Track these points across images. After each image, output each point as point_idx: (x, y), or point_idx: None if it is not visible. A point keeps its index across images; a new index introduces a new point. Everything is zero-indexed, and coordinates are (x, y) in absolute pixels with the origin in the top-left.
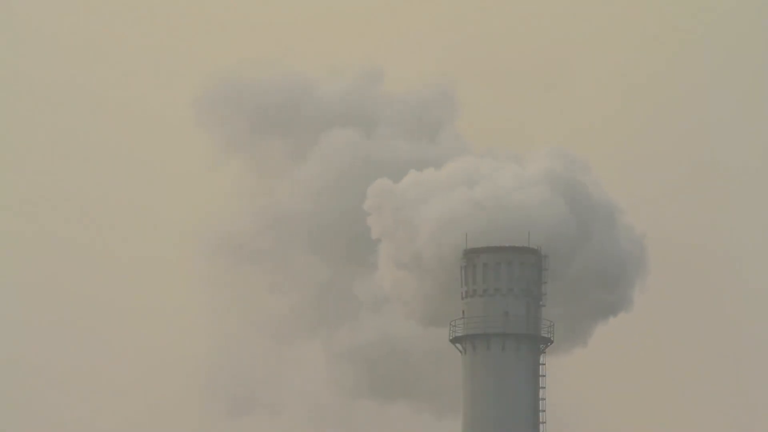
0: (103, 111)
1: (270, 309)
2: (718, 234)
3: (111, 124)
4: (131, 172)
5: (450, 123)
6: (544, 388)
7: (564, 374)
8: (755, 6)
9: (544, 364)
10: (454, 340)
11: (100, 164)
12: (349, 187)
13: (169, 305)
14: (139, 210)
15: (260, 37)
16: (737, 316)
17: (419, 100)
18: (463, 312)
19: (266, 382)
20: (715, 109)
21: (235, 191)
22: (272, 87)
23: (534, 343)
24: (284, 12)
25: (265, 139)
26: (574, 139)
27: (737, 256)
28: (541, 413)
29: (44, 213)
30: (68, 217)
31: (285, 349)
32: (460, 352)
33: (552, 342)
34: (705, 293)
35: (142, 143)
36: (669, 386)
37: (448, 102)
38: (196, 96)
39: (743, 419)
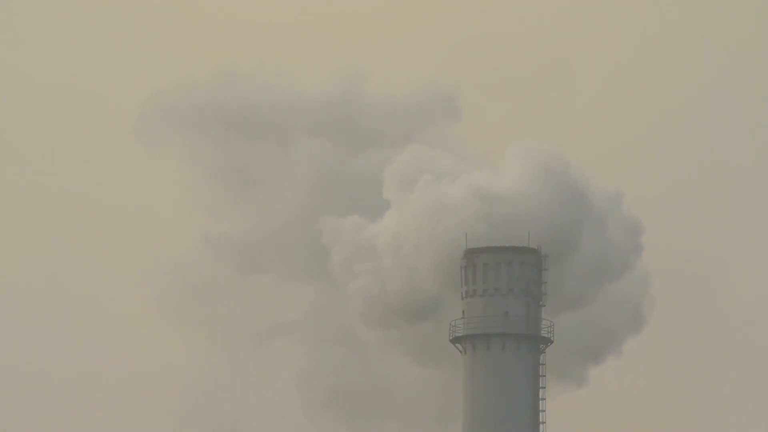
0: (86, 115)
1: (246, 336)
2: (720, 238)
3: (98, 128)
4: (100, 182)
5: (440, 127)
6: (544, 388)
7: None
8: (756, 6)
9: (544, 364)
10: (454, 340)
11: (76, 170)
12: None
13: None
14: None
15: (250, 39)
16: (738, 323)
17: (412, 104)
18: (463, 312)
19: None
20: (717, 110)
21: (205, 210)
22: (249, 95)
23: (534, 343)
24: (279, 14)
25: (238, 151)
26: (574, 141)
27: (740, 262)
28: (541, 413)
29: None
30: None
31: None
32: (460, 352)
33: (552, 342)
34: (706, 300)
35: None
36: (669, 394)
37: (442, 105)
38: (148, 108)
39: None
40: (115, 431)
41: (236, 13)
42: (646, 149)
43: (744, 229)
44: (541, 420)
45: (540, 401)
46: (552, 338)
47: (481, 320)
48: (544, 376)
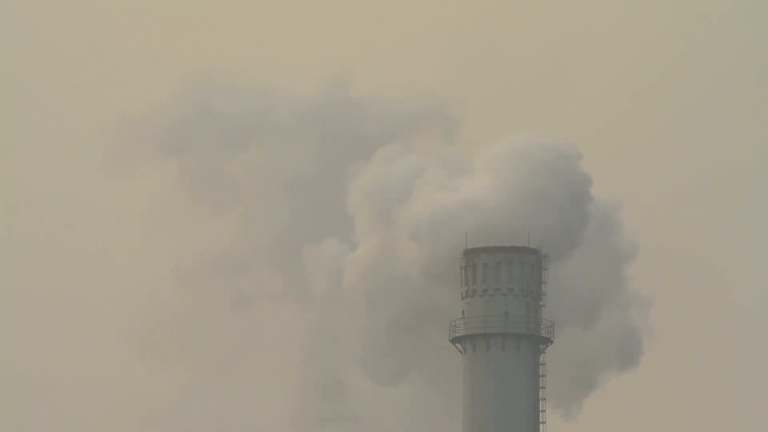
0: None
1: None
2: (720, 244)
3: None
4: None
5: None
6: (544, 388)
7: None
8: (760, 8)
9: (544, 365)
10: (454, 340)
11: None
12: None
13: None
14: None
15: (246, 47)
16: (738, 330)
17: (407, 111)
18: (463, 312)
19: None
20: (720, 113)
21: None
22: (236, 106)
23: (534, 343)
24: (267, 21)
25: (221, 167)
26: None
27: (739, 269)
28: (541, 413)
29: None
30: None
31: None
32: (460, 352)
33: (552, 342)
34: (704, 307)
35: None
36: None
37: (438, 112)
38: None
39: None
40: None
41: (227, 20)
42: (649, 154)
43: (744, 235)
44: (541, 420)
45: (540, 401)
46: (552, 338)
47: (481, 320)
48: (544, 376)
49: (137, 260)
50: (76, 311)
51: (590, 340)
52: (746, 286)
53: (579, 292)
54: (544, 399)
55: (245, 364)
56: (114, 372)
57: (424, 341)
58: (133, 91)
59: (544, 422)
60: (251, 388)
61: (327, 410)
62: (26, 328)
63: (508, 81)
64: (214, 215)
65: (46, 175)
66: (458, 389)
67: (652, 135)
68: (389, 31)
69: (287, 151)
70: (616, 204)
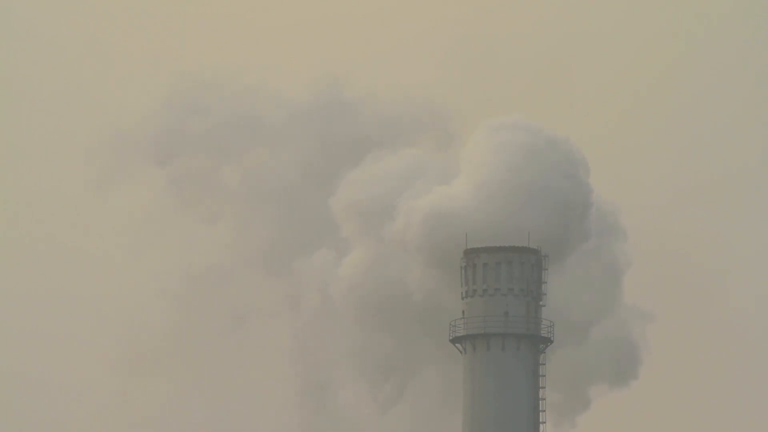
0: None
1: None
2: (720, 248)
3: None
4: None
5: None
6: (544, 388)
7: None
8: (760, 8)
9: (544, 364)
10: (454, 340)
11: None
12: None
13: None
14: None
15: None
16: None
17: (403, 115)
18: (463, 312)
19: None
20: (720, 113)
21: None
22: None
23: (534, 343)
24: (261, 24)
25: (214, 176)
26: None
27: (742, 271)
28: (541, 413)
29: None
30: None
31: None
32: (460, 352)
33: (552, 342)
34: (703, 311)
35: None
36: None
37: (433, 116)
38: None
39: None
40: None
41: (221, 23)
42: (646, 155)
43: (744, 237)
44: (541, 420)
45: (540, 401)
46: (552, 338)
47: (481, 320)
48: (544, 375)
49: (135, 263)
50: (75, 313)
51: (586, 351)
52: (747, 288)
53: (576, 302)
54: (544, 399)
55: (239, 374)
56: (112, 373)
57: (422, 347)
58: (129, 94)
59: (544, 422)
60: (246, 395)
61: (322, 423)
62: (26, 329)
63: (508, 81)
64: (209, 222)
65: (44, 177)
66: (458, 392)
67: (652, 136)
68: (387, 31)
69: (281, 156)
70: (614, 207)
